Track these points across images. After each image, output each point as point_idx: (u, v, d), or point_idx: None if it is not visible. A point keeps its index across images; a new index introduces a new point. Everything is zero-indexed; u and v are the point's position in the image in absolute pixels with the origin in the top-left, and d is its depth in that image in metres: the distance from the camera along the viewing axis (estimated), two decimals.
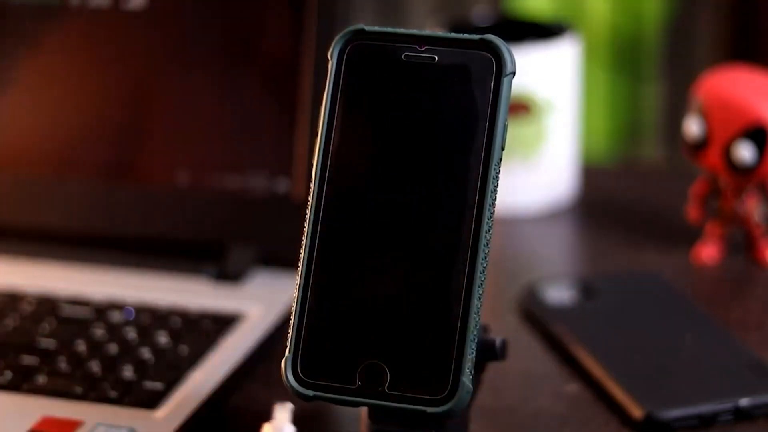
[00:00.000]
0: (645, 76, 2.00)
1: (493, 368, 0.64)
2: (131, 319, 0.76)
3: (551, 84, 0.98)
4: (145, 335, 0.74)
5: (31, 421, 0.66)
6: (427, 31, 0.57)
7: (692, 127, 0.87)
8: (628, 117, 2.02)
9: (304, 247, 0.56)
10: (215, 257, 0.83)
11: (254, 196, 0.83)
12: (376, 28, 0.57)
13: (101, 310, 0.77)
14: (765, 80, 0.87)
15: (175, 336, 0.74)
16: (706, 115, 0.87)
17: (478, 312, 0.54)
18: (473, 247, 0.54)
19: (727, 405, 0.69)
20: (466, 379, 0.53)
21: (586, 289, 0.83)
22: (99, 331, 0.75)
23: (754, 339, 0.77)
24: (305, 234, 0.56)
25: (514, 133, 0.97)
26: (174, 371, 0.71)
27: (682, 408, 0.68)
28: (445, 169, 0.55)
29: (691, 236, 0.91)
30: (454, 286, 0.54)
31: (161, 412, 0.67)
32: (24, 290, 0.80)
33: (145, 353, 0.72)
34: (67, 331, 0.75)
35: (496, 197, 0.55)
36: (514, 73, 0.56)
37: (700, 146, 0.87)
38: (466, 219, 0.55)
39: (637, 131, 2.03)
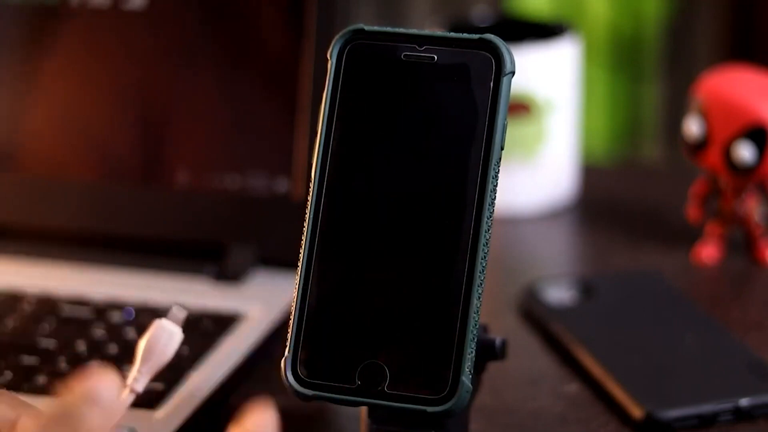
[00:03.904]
0: (645, 76, 2.00)
1: (493, 368, 0.64)
2: (131, 319, 0.76)
3: (551, 84, 0.98)
4: None
5: None
6: (426, 31, 0.57)
7: (692, 127, 0.87)
8: (628, 117, 2.02)
9: (303, 246, 0.56)
10: (215, 257, 0.83)
11: (254, 196, 0.83)
12: (376, 28, 0.57)
13: (101, 310, 0.77)
14: (765, 80, 0.87)
15: None
16: (706, 115, 0.87)
17: (477, 311, 0.54)
18: (473, 247, 0.54)
19: (727, 405, 0.69)
20: (466, 378, 0.53)
21: (586, 289, 0.83)
22: (99, 331, 0.75)
23: (754, 339, 0.77)
24: (305, 233, 0.56)
25: (514, 133, 0.97)
26: (174, 371, 0.71)
27: (682, 408, 0.68)
28: (444, 168, 0.55)
29: (691, 236, 0.91)
30: (453, 286, 0.54)
31: (161, 412, 0.67)
32: (24, 290, 0.80)
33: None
34: (67, 331, 0.75)
35: (495, 197, 0.55)
36: (513, 73, 0.56)
37: (700, 146, 0.87)
38: (466, 218, 0.55)
39: (637, 131, 2.03)
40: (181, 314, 0.58)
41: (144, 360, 0.56)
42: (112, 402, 0.49)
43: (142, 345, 0.57)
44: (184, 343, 0.73)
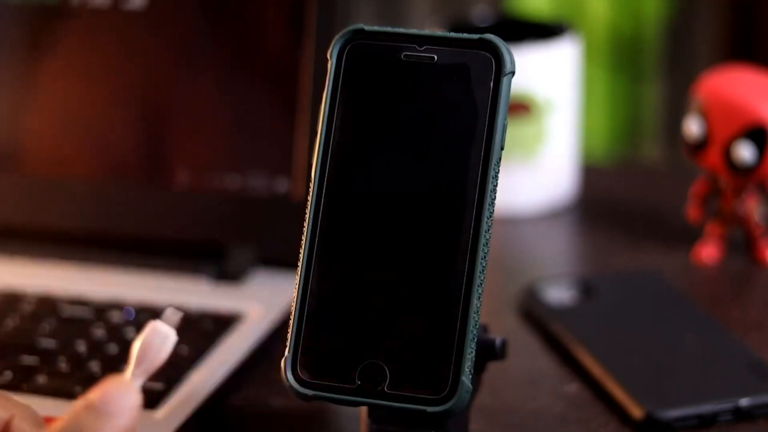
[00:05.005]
0: (645, 76, 2.00)
1: (493, 368, 0.64)
2: (131, 319, 0.76)
3: (551, 84, 0.98)
4: None
5: None
6: (426, 31, 0.57)
7: (692, 127, 0.87)
8: (628, 117, 2.02)
9: (303, 246, 0.56)
10: (215, 257, 0.83)
11: (254, 196, 0.83)
12: (376, 28, 0.57)
13: (101, 310, 0.77)
14: (765, 80, 0.87)
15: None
16: (706, 115, 0.87)
17: (477, 311, 0.54)
18: (473, 247, 0.54)
19: (727, 405, 0.69)
20: (466, 378, 0.53)
21: (586, 289, 0.83)
22: (99, 331, 0.75)
23: (754, 339, 0.77)
24: (305, 234, 0.56)
25: (514, 133, 0.97)
26: (174, 371, 0.71)
27: (682, 408, 0.68)
28: (444, 168, 0.55)
29: (691, 236, 0.91)
30: (453, 286, 0.54)
31: (161, 412, 0.67)
32: (24, 290, 0.80)
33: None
34: (67, 331, 0.75)
35: (495, 197, 0.55)
36: (513, 73, 0.56)
37: (700, 146, 0.87)
38: (466, 218, 0.55)
39: (637, 131, 2.03)
40: (176, 316, 0.58)
41: (138, 362, 0.56)
42: (127, 416, 0.48)
43: (136, 347, 0.57)
44: (184, 343, 0.73)
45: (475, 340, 0.54)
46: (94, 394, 0.49)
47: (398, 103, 0.56)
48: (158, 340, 0.56)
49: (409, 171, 0.56)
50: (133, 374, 0.56)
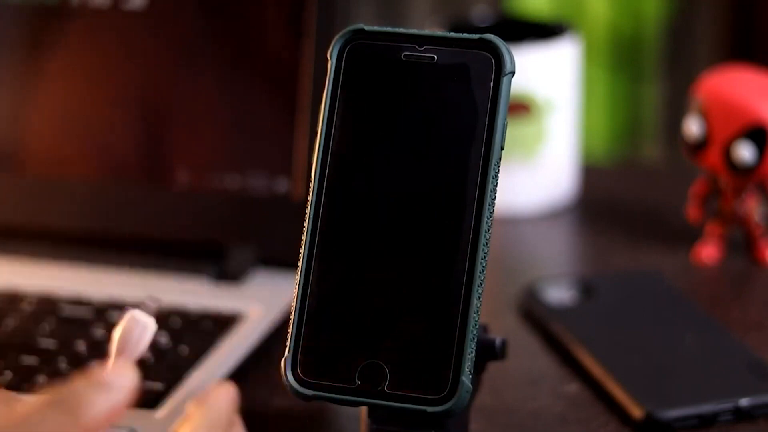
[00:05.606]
0: (645, 76, 2.01)
1: (493, 368, 0.64)
2: None
3: (551, 84, 0.98)
4: None
5: None
6: (426, 31, 0.57)
7: (692, 127, 0.87)
8: (628, 117, 2.02)
9: (303, 246, 0.56)
10: (215, 257, 0.83)
11: (254, 196, 0.83)
12: (376, 28, 0.57)
13: (101, 310, 0.77)
14: (765, 80, 0.87)
15: (176, 336, 0.74)
16: (706, 115, 0.87)
17: (477, 311, 0.54)
18: (473, 247, 0.54)
19: (727, 405, 0.69)
20: (466, 378, 0.53)
21: (586, 289, 0.83)
22: (99, 331, 0.75)
23: (754, 339, 0.77)
24: (305, 234, 0.56)
25: (514, 133, 0.97)
26: (174, 371, 0.71)
27: (682, 408, 0.68)
28: (444, 168, 0.55)
29: (691, 236, 0.91)
30: (453, 286, 0.54)
31: (161, 412, 0.67)
32: (24, 290, 0.80)
33: (145, 353, 0.72)
34: (67, 331, 0.75)
35: (495, 197, 0.55)
36: (513, 73, 0.56)
37: (700, 146, 0.87)
38: (466, 218, 0.55)
39: (637, 131, 2.03)
40: (154, 305, 0.57)
41: (119, 352, 0.56)
42: (123, 393, 0.48)
43: (116, 337, 0.57)
44: (184, 343, 0.73)
45: (475, 340, 0.54)
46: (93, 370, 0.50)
47: (398, 103, 0.56)
48: (138, 329, 0.56)
49: (409, 171, 0.56)
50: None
